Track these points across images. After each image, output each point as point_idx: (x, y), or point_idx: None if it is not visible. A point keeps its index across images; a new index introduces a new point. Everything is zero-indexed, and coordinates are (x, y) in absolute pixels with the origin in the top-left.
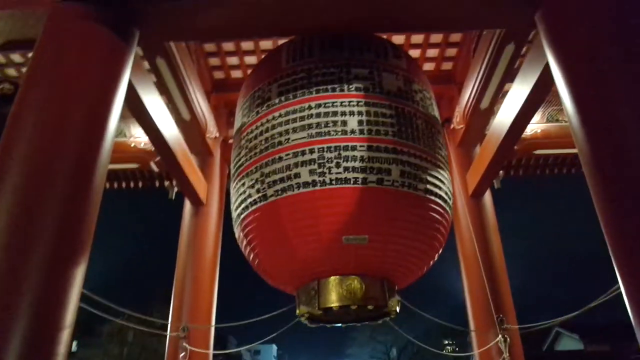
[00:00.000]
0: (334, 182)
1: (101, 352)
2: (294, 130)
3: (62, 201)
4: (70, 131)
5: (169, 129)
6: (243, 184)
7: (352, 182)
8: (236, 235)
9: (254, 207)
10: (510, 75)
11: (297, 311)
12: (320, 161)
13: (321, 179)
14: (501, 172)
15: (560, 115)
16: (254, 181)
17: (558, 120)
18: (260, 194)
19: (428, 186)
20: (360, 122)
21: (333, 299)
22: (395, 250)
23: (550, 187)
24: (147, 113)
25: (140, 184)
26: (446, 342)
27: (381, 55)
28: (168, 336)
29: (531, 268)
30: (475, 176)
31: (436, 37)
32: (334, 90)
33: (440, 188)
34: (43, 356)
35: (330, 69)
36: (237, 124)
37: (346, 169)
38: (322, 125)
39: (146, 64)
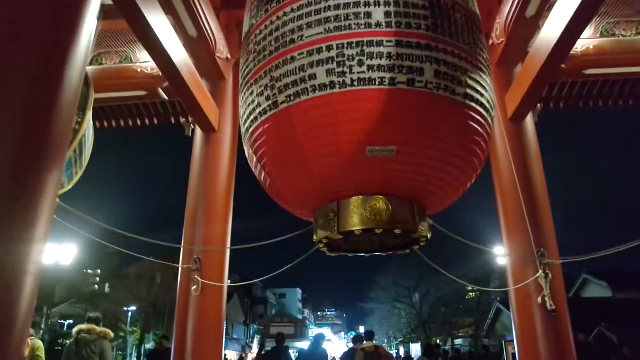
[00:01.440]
0: (355, 83)
1: (131, 295)
2: (309, 25)
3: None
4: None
5: (177, 51)
6: (251, 93)
7: (377, 82)
8: (246, 154)
9: (264, 117)
10: None
11: (315, 237)
12: (339, 59)
13: (341, 79)
14: (539, 105)
15: (617, 29)
16: (263, 88)
17: (615, 35)
18: (270, 102)
19: (468, 90)
20: (387, 14)
21: (355, 222)
22: (428, 166)
23: (601, 120)
24: (152, 34)
25: (149, 117)
26: (470, 288)
27: None
28: (180, 269)
29: (570, 208)
30: (516, 98)
31: None
32: None
33: (481, 95)
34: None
35: None
36: (245, 28)
37: (370, 67)
38: (342, 18)
39: None
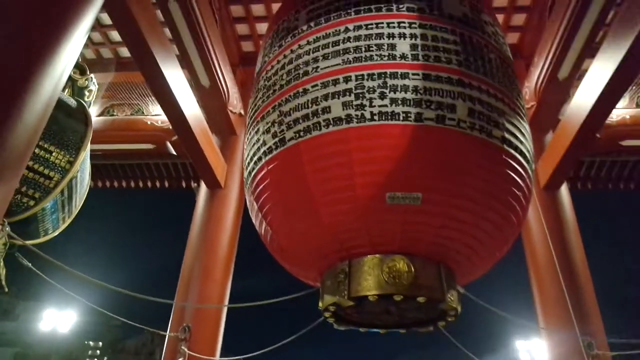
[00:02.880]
0: (376, 117)
1: None
2: (325, 57)
3: None
4: None
5: (188, 103)
6: (257, 131)
7: (401, 117)
8: (247, 203)
9: (268, 156)
10: (593, 43)
11: (320, 303)
12: (358, 91)
13: (359, 113)
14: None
15: None
16: (269, 124)
17: None
18: (276, 139)
19: (506, 134)
20: (413, 47)
21: (369, 286)
22: (459, 220)
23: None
24: (165, 85)
25: (154, 178)
26: None
27: None
28: (167, 337)
29: (612, 289)
30: (549, 166)
31: (500, 1)
32: (379, 10)
33: (521, 142)
34: None
35: None
36: (257, 67)
37: (394, 101)
38: (363, 50)
39: (168, 33)
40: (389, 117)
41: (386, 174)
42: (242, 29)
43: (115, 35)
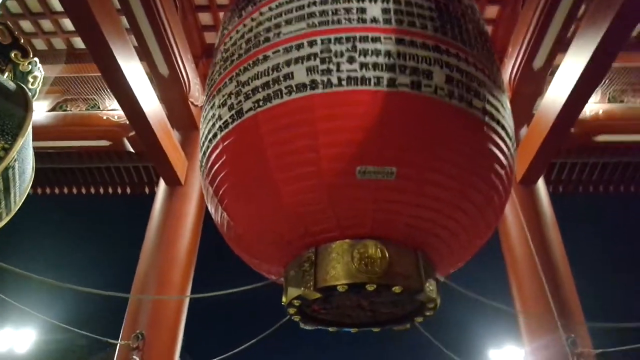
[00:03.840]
0: (344, 82)
1: None
2: (288, 22)
3: None
4: None
5: (147, 99)
6: (212, 106)
7: (372, 83)
8: (203, 189)
9: (224, 131)
10: (568, 32)
11: (283, 298)
12: (324, 55)
13: (325, 78)
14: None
15: (624, 96)
16: (226, 96)
17: (623, 102)
18: (233, 111)
19: (487, 106)
20: (385, 11)
21: (338, 274)
22: (437, 198)
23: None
24: (120, 75)
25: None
26: None
27: None
28: (117, 346)
29: (593, 286)
30: (524, 160)
31: None
32: None
33: (502, 116)
34: None
35: None
36: (216, 43)
37: (364, 65)
38: (330, 13)
39: (125, 22)
40: (359, 82)
41: (356, 145)
42: (205, 18)
43: (68, 24)
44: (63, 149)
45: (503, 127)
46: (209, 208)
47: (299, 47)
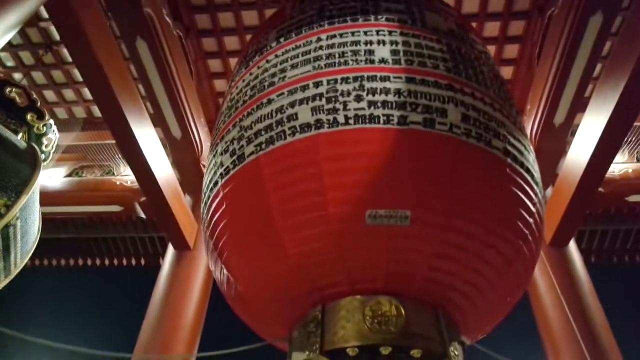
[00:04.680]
0: (351, 120)
1: None
2: (294, 66)
3: None
4: None
5: (160, 164)
6: (215, 154)
7: (381, 120)
8: (203, 243)
9: (225, 178)
10: (587, 86)
11: None
12: (330, 95)
13: (330, 117)
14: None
15: None
16: (229, 142)
17: None
18: (234, 157)
19: (508, 147)
20: (394, 52)
21: (347, 335)
22: (458, 247)
23: None
24: (134, 144)
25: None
26: None
27: None
28: None
29: None
30: (552, 222)
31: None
32: (354, 20)
33: (526, 158)
34: None
35: (349, 3)
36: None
37: (372, 103)
38: (337, 56)
39: (142, 89)
40: (367, 121)
41: (365, 186)
42: (220, 84)
43: (88, 93)
44: (75, 214)
45: (528, 171)
46: (210, 265)
47: (304, 88)
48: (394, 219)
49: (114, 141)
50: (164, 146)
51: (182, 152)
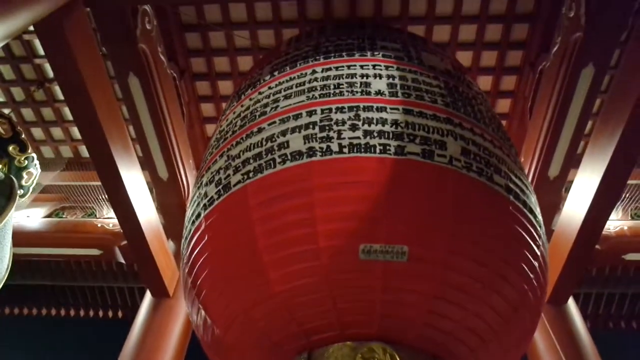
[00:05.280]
0: (345, 149)
1: None
2: (287, 97)
3: None
4: None
5: (144, 208)
6: (199, 186)
7: (378, 150)
8: (182, 283)
9: (208, 209)
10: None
11: None
12: (324, 124)
13: (324, 145)
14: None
15: None
16: (214, 173)
17: None
18: (220, 187)
19: (510, 184)
20: (391, 85)
21: None
22: (462, 289)
23: None
24: (120, 185)
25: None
26: None
27: (418, 39)
28: None
29: None
30: (550, 280)
31: None
32: (351, 55)
33: (528, 198)
34: None
35: (346, 40)
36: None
37: (368, 133)
38: (331, 87)
39: (132, 131)
40: (363, 150)
41: (359, 218)
42: (212, 129)
43: (76, 132)
44: (53, 257)
45: (531, 212)
46: (187, 306)
47: (297, 117)
48: (390, 254)
49: (98, 182)
50: (150, 190)
51: (168, 195)
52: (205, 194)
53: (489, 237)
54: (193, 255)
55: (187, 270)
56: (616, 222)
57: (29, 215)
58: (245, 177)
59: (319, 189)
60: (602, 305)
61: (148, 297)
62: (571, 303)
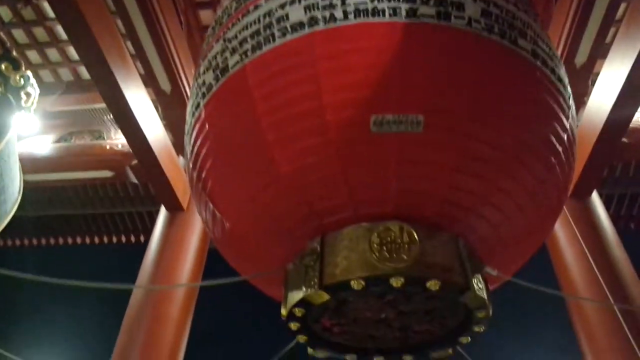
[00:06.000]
0: (351, 15)
1: None
2: None
3: None
4: None
5: (152, 125)
6: (198, 76)
7: (387, 14)
8: (188, 180)
9: (207, 97)
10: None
11: (282, 310)
12: None
13: (327, 13)
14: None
15: None
16: (211, 59)
17: None
18: (217, 71)
19: (537, 48)
20: None
21: (351, 266)
22: (483, 160)
23: None
24: (125, 104)
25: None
26: None
27: None
28: None
29: None
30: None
31: None
32: None
33: (556, 65)
34: None
35: None
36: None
37: None
38: None
39: (130, 47)
40: (370, 14)
41: (369, 87)
42: None
43: (74, 53)
44: (65, 182)
45: (560, 81)
46: (195, 204)
47: None
48: (404, 125)
49: (103, 104)
50: (156, 108)
51: (172, 108)
52: (204, 82)
53: (514, 104)
54: (195, 148)
55: (191, 165)
56: None
57: (39, 143)
58: (244, 56)
59: (323, 58)
60: (624, 207)
61: (163, 212)
62: (595, 197)
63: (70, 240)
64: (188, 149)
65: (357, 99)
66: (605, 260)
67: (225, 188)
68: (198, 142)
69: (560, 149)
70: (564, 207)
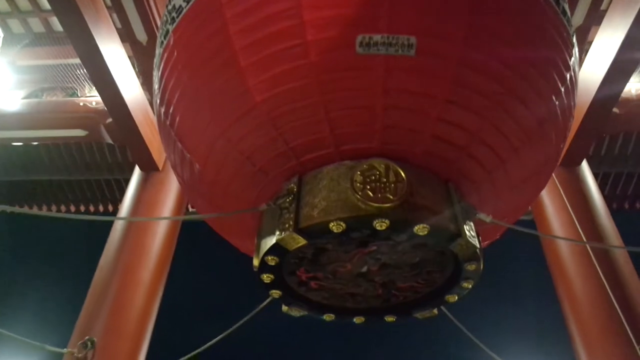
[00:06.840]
0: None
1: None
2: None
3: None
4: None
5: (129, 84)
6: (168, 3)
7: None
8: (156, 118)
9: (177, 21)
10: None
11: (254, 261)
12: None
13: None
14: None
15: None
16: None
17: None
18: None
19: None
20: None
21: (330, 207)
22: (479, 91)
23: None
24: (99, 57)
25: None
26: None
27: None
28: (63, 356)
29: None
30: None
31: None
32: None
33: None
34: None
35: None
36: None
37: None
38: None
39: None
40: None
41: (356, 4)
42: None
43: (45, 2)
44: (36, 139)
45: (565, 14)
46: (164, 146)
47: None
48: (394, 47)
49: (77, 59)
50: (133, 66)
51: (149, 62)
52: (174, 7)
53: (515, 32)
54: (163, 81)
55: (158, 101)
56: (638, 85)
57: (8, 98)
58: None
59: None
60: (619, 187)
61: (137, 172)
62: (584, 166)
63: (44, 209)
64: (156, 85)
65: (342, 17)
66: (593, 228)
67: (194, 123)
68: (166, 74)
69: (562, 88)
70: (553, 175)
